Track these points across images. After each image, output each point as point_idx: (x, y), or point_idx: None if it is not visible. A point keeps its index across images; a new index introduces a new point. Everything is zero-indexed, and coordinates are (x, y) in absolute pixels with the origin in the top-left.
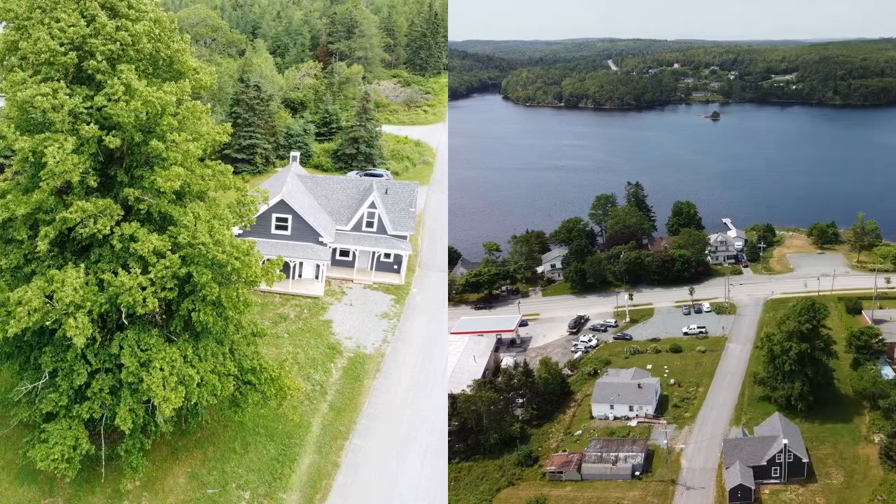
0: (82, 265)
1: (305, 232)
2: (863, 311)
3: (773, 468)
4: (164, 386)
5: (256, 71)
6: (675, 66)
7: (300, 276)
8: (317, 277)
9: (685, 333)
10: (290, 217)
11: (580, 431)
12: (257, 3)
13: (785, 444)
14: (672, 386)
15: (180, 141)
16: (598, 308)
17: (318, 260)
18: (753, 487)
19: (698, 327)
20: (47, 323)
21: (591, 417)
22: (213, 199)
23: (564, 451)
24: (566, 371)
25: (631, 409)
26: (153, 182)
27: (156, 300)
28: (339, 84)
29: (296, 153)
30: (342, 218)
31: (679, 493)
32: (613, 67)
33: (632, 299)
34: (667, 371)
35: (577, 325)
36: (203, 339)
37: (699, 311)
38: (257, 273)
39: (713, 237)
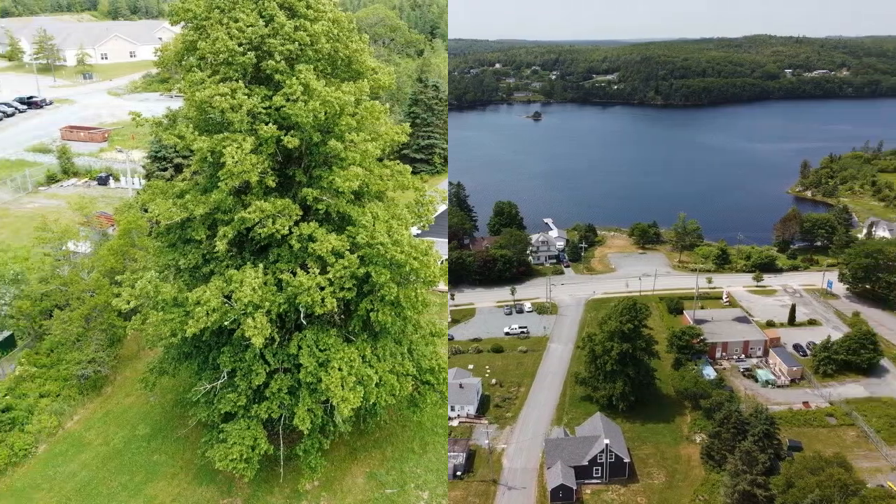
0: (261, 265)
1: None
2: (684, 311)
3: (594, 468)
4: (342, 386)
5: (435, 71)
6: (497, 65)
7: None
8: None
9: (507, 333)
10: None
11: None
12: (436, 3)
13: (606, 444)
14: (494, 386)
15: (359, 141)
16: None
17: None
18: (575, 487)
19: (520, 327)
20: (226, 323)
21: None
22: (392, 199)
23: None
24: None
25: (452, 408)
26: (332, 182)
27: (334, 300)
28: None
29: None
30: None
31: (501, 493)
32: None
33: (453, 299)
34: (488, 371)
35: None
36: (381, 339)
37: (521, 311)
38: (436, 273)
39: (535, 237)
